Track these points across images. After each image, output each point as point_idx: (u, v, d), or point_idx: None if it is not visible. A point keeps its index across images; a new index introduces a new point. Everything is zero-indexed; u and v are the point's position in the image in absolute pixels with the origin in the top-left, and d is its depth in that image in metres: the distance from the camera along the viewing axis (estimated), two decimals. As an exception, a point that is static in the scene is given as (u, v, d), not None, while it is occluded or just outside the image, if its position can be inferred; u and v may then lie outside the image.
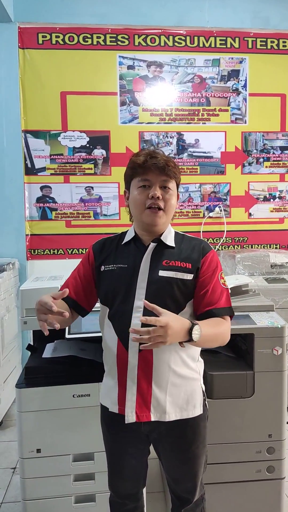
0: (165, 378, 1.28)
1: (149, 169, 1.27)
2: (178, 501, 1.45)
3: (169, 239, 1.34)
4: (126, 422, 1.26)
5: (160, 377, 1.28)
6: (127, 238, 1.37)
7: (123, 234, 1.41)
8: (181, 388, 1.30)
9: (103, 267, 1.34)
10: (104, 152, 3.39)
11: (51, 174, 3.37)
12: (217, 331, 1.23)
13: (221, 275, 1.33)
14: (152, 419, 1.27)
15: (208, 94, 3.45)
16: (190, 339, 1.12)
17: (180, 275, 1.27)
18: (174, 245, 1.33)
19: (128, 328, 1.20)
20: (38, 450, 1.70)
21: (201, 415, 1.35)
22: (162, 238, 1.33)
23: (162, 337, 1.05)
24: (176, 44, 3.37)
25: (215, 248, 2.45)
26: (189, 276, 1.28)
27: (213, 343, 1.25)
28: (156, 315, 1.09)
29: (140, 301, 1.25)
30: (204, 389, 1.39)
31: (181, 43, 3.38)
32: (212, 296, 1.27)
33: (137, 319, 1.23)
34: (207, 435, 1.41)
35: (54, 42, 3.27)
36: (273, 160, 3.56)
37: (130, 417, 1.26)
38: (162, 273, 1.27)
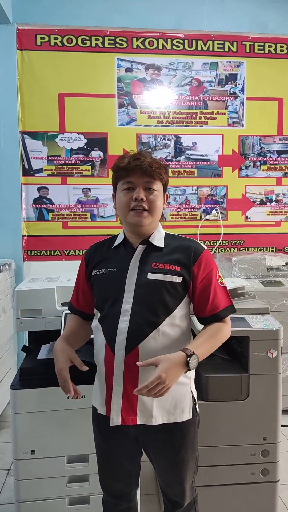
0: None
1: (132, 171, 1.27)
2: (170, 504, 1.45)
3: (157, 241, 1.33)
4: (111, 425, 1.27)
5: (146, 381, 1.26)
6: (117, 241, 1.38)
7: (114, 237, 1.41)
8: (169, 392, 1.23)
9: (94, 271, 1.36)
10: (101, 154, 3.39)
11: (48, 175, 3.37)
12: (215, 340, 1.28)
13: (218, 274, 1.33)
14: (138, 422, 1.27)
15: (206, 98, 3.47)
16: (188, 369, 1.18)
17: (168, 277, 1.27)
18: (163, 247, 1.32)
19: (115, 332, 1.25)
20: (33, 452, 1.70)
21: (190, 420, 1.33)
22: (150, 239, 1.32)
23: (163, 385, 1.13)
24: (174, 47, 3.39)
25: (211, 251, 2.44)
26: (178, 279, 1.27)
27: (211, 352, 1.29)
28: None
29: (128, 305, 1.26)
30: (194, 394, 1.38)
31: (179, 47, 3.39)
32: (214, 300, 1.30)
33: (124, 323, 1.25)
34: (198, 439, 1.40)
35: (52, 44, 3.28)
36: (270, 164, 3.58)
37: (116, 420, 1.27)
38: (150, 276, 1.27)
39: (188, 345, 1.23)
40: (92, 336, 1.43)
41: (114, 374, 1.26)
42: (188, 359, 1.16)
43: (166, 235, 1.37)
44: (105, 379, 1.30)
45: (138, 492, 1.54)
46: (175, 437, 1.32)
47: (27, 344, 2.05)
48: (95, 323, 1.36)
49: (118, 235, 1.40)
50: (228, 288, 1.39)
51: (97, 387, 1.38)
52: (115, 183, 1.34)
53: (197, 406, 1.38)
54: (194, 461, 1.40)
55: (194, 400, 1.36)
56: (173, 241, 1.35)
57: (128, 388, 1.25)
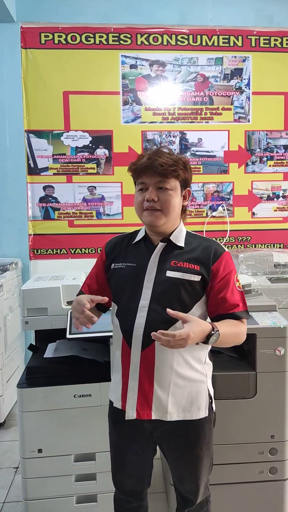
0: (168, 378, 1.27)
1: (144, 171, 1.28)
2: (182, 501, 1.45)
3: (178, 239, 1.33)
4: (126, 419, 1.28)
5: (162, 377, 1.27)
6: (138, 237, 1.38)
7: (135, 233, 1.41)
8: (184, 389, 1.28)
9: (113, 265, 1.37)
10: (106, 151, 3.38)
11: (54, 174, 3.37)
12: (234, 331, 1.27)
13: (236, 278, 1.32)
14: (153, 417, 1.28)
15: (211, 93, 3.44)
16: (205, 342, 1.17)
17: (187, 276, 1.26)
18: (183, 245, 1.32)
19: (132, 327, 1.26)
20: (40, 450, 1.70)
21: (206, 418, 1.32)
22: (171, 237, 1.32)
23: (181, 345, 1.11)
24: (178, 43, 3.36)
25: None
26: (197, 278, 1.27)
27: (227, 344, 1.28)
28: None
29: (145, 301, 1.27)
30: (211, 392, 1.36)
31: (183, 42, 3.36)
32: (231, 300, 1.28)
33: (141, 318, 1.26)
34: (212, 438, 1.38)
35: (56, 42, 3.27)
36: (277, 159, 3.54)
37: (131, 413, 1.28)
38: (169, 273, 1.27)
39: (216, 323, 1.22)
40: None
41: (130, 368, 1.28)
42: (212, 332, 1.17)
43: (188, 233, 1.36)
44: (121, 373, 1.31)
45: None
46: (190, 434, 1.32)
47: (34, 343, 2.06)
48: (113, 316, 1.38)
49: (139, 230, 1.40)
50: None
51: (114, 380, 1.39)
52: (134, 183, 1.36)
53: (213, 405, 1.37)
54: (209, 459, 1.39)
55: (210, 398, 1.35)
56: (194, 240, 1.34)
57: (143, 383, 1.27)
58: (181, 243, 1.32)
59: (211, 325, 1.18)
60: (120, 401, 1.32)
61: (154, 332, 1.10)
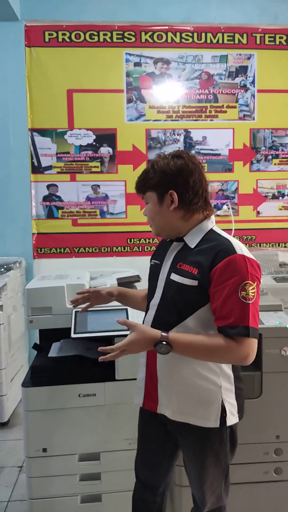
0: (170, 378, 1.28)
1: None
2: (194, 504, 1.44)
3: (192, 239, 1.26)
4: (135, 403, 1.37)
5: (165, 376, 1.28)
6: None
7: None
8: (190, 393, 1.25)
9: (152, 260, 1.41)
10: (110, 150, 3.37)
11: (58, 172, 3.36)
12: (205, 350, 1.15)
13: (243, 287, 1.13)
14: (158, 411, 1.31)
15: (216, 91, 3.42)
16: (157, 351, 1.15)
17: (185, 280, 1.20)
18: (192, 246, 1.25)
19: (144, 322, 1.33)
20: (44, 449, 1.70)
21: (215, 429, 1.25)
22: (185, 237, 1.27)
23: (127, 352, 1.15)
24: (183, 40, 3.34)
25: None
26: (193, 283, 1.18)
27: (199, 357, 1.19)
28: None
29: (156, 300, 1.29)
30: (227, 405, 1.26)
31: (188, 40, 3.34)
32: (221, 311, 1.15)
33: (150, 316, 1.31)
34: (227, 454, 1.31)
35: (60, 40, 3.26)
36: (282, 157, 3.51)
37: (137, 400, 1.36)
38: (173, 276, 1.25)
39: (176, 334, 1.16)
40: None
41: (140, 361, 1.35)
42: (159, 344, 1.12)
43: (210, 232, 1.26)
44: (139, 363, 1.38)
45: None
46: (195, 439, 1.29)
47: (38, 342, 2.05)
48: None
49: None
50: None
51: None
52: None
53: (228, 419, 1.26)
54: (219, 471, 1.32)
55: (224, 411, 1.25)
56: (210, 240, 1.23)
57: (149, 376, 1.31)
58: (192, 243, 1.25)
59: (160, 335, 1.13)
60: (137, 387, 1.38)
61: (118, 319, 1.19)
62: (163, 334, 1.13)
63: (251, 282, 1.15)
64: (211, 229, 1.27)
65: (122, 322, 1.17)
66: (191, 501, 1.71)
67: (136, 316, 1.74)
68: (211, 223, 1.29)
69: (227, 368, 1.27)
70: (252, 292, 1.15)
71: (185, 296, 1.21)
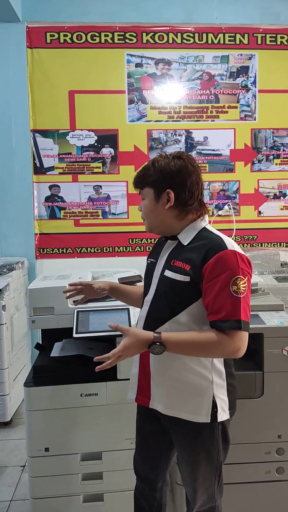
0: (162, 374, 1.30)
1: None
2: (186, 502, 1.44)
3: (185, 237, 1.28)
4: (127, 398, 1.39)
5: (157, 371, 1.30)
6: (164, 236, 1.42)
7: None
8: (182, 390, 1.27)
9: (148, 258, 1.44)
10: (112, 150, 3.38)
11: (60, 173, 3.37)
12: (198, 346, 1.18)
13: (234, 281, 1.16)
14: (150, 406, 1.33)
15: (217, 91, 3.42)
16: (151, 352, 1.17)
17: (177, 276, 1.23)
18: (185, 244, 1.27)
19: (138, 318, 1.36)
20: (47, 449, 1.71)
21: (206, 424, 1.27)
22: (178, 236, 1.30)
23: (124, 357, 1.17)
24: (184, 41, 3.35)
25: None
26: (185, 279, 1.21)
27: (192, 354, 1.22)
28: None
29: (150, 296, 1.32)
30: (218, 401, 1.28)
31: (189, 40, 3.35)
32: (212, 306, 1.17)
33: (143, 311, 1.34)
34: (220, 451, 1.32)
35: (62, 41, 3.27)
36: (283, 157, 3.51)
37: (130, 395, 1.38)
38: (166, 272, 1.28)
39: (168, 333, 1.18)
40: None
41: (134, 356, 1.33)
42: (153, 345, 1.15)
43: (203, 230, 1.29)
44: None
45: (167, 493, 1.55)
46: (186, 434, 1.31)
47: (40, 342, 2.06)
48: None
49: None
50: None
51: None
52: None
53: (219, 415, 1.28)
54: (211, 468, 1.33)
55: (215, 406, 1.26)
56: (202, 237, 1.26)
57: (143, 372, 1.34)
58: (185, 240, 1.27)
59: (153, 336, 1.15)
60: (130, 383, 1.40)
61: (110, 323, 1.21)
62: (156, 335, 1.16)
63: (242, 277, 1.18)
64: (204, 227, 1.30)
65: (114, 327, 1.17)
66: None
67: (137, 314, 1.74)
68: (204, 222, 1.32)
69: (219, 364, 1.29)
70: (243, 287, 1.18)
71: (177, 291, 1.23)
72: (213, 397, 1.27)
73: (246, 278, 1.19)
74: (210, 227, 1.31)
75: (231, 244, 1.22)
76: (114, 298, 1.61)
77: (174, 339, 1.17)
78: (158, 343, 1.15)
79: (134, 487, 1.55)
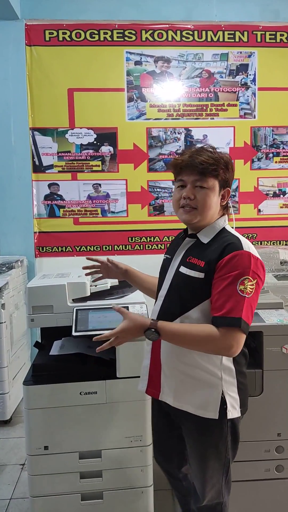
0: (173, 367, 1.32)
1: (184, 169, 1.29)
2: (194, 495, 1.46)
3: (204, 235, 1.30)
4: (138, 389, 1.42)
5: (168, 363, 1.33)
6: (183, 232, 1.43)
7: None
8: (191, 384, 1.29)
9: (164, 255, 1.46)
10: (111, 149, 3.38)
11: (59, 171, 3.37)
12: (191, 338, 1.19)
13: (242, 281, 1.17)
14: (160, 398, 1.35)
15: (217, 89, 3.42)
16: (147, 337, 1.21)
17: (192, 272, 1.25)
18: (205, 242, 1.29)
19: (152, 312, 1.39)
20: (46, 447, 1.71)
21: (215, 421, 1.27)
22: (198, 234, 1.32)
23: (120, 340, 1.23)
24: (183, 39, 3.34)
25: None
26: (199, 275, 1.23)
27: (185, 345, 1.23)
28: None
29: (164, 291, 1.35)
30: (228, 399, 1.29)
31: (188, 38, 3.34)
32: (216, 302, 1.19)
33: (157, 306, 1.37)
34: (229, 448, 1.33)
35: (61, 38, 3.26)
36: (283, 155, 3.51)
37: (141, 387, 1.41)
38: (181, 269, 1.30)
39: (165, 322, 1.22)
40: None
41: (145, 349, 1.40)
42: (148, 331, 1.20)
43: (223, 230, 1.31)
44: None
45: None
46: (195, 428, 1.33)
47: (39, 340, 2.06)
48: None
49: None
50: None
51: None
52: (175, 179, 1.37)
53: (229, 412, 1.28)
54: (220, 463, 1.34)
55: (224, 403, 1.27)
56: (222, 236, 1.28)
57: (153, 365, 1.36)
58: (205, 239, 1.30)
59: (149, 322, 1.20)
60: (141, 374, 1.43)
61: (113, 305, 1.26)
62: (152, 321, 1.21)
63: (251, 278, 1.18)
64: (224, 228, 1.33)
65: (116, 309, 1.23)
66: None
67: (138, 313, 1.74)
68: (224, 222, 1.35)
69: (228, 362, 1.30)
70: (251, 288, 1.18)
71: (191, 288, 1.25)
72: (223, 394, 1.28)
73: (255, 281, 1.20)
74: (229, 228, 1.34)
75: (247, 246, 1.24)
76: (130, 283, 1.63)
77: (169, 328, 1.21)
78: (153, 329, 1.19)
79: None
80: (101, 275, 1.60)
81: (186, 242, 1.35)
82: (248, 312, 1.18)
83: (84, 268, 1.59)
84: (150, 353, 1.37)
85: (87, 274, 1.62)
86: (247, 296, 1.17)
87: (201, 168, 1.25)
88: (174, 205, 1.34)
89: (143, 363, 1.41)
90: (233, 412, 1.30)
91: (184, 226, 1.43)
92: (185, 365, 1.29)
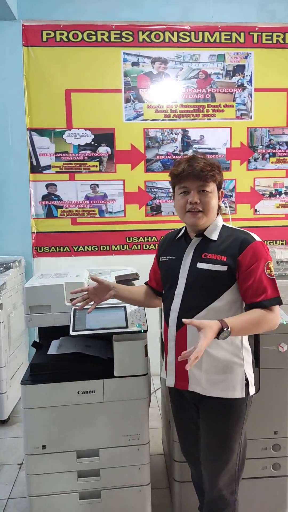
0: (201, 358, 1.35)
1: (186, 177, 1.40)
2: (204, 487, 1.51)
3: (212, 233, 1.43)
4: (166, 385, 1.49)
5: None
6: (180, 234, 1.53)
7: (180, 229, 1.55)
8: (218, 368, 1.39)
9: (161, 258, 1.56)
10: (109, 149, 3.38)
11: (56, 172, 3.37)
12: (254, 321, 1.31)
13: (267, 266, 1.36)
14: (189, 389, 1.42)
15: (213, 90, 3.43)
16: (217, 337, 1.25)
17: (214, 267, 1.37)
18: (215, 239, 1.42)
19: (169, 310, 1.45)
20: (44, 447, 1.71)
21: (241, 399, 1.40)
22: (205, 232, 1.44)
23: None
24: (180, 40, 3.35)
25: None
26: (223, 268, 1.36)
27: (253, 332, 1.36)
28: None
29: (180, 289, 1.42)
30: (249, 377, 1.42)
31: (185, 39, 3.36)
32: (257, 289, 1.33)
33: (176, 303, 1.43)
34: (244, 425, 1.45)
35: (58, 39, 3.27)
36: (279, 156, 3.53)
37: (169, 382, 1.47)
38: (199, 265, 1.40)
39: (228, 319, 1.28)
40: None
41: (168, 345, 1.46)
42: (221, 332, 1.24)
43: (224, 227, 1.46)
44: (165, 348, 1.50)
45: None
46: (223, 409, 1.41)
47: (37, 340, 2.07)
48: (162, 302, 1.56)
49: (183, 227, 1.54)
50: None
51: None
52: (173, 187, 1.48)
53: (250, 388, 1.43)
54: (237, 446, 1.44)
55: (247, 381, 1.41)
56: (227, 232, 1.43)
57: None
58: (214, 236, 1.42)
59: (220, 324, 1.25)
60: (164, 372, 1.51)
61: (185, 319, 1.24)
62: (221, 322, 1.25)
63: (270, 261, 1.39)
64: (223, 225, 1.48)
65: (188, 322, 1.23)
66: (190, 497, 1.73)
67: (134, 312, 1.75)
68: (221, 219, 1.50)
69: (246, 342, 1.45)
70: (272, 268, 1.38)
71: (215, 280, 1.37)
72: (245, 374, 1.42)
73: (271, 260, 1.40)
74: (226, 224, 1.49)
75: (254, 235, 1.42)
76: (121, 301, 1.63)
77: (236, 323, 1.27)
78: (226, 329, 1.24)
79: (191, 477, 1.68)
80: (93, 302, 1.55)
81: (194, 241, 1.45)
82: (277, 288, 1.37)
83: (74, 303, 1.55)
84: (174, 348, 1.43)
85: (79, 308, 1.55)
86: (274, 277, 1.37)
87: (202, 175, 1.38)
88: (180, 210, 1.44)
89: (168, 359, 1.46)
90: (251, 389, 1.44)
91: (180, 226, 1.54)
92: (209, 352, 1.37)
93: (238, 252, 1.36)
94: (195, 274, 1.40)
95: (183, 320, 1.25)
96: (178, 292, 1.43)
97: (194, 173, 1.38)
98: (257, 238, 1.40)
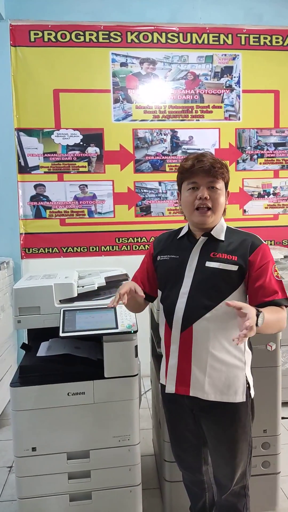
0: (204, 359, 1.37)
1: (196, 172, 1.38)
2: (218, 488, 1.50)
3: (218, 233, 1.43)
4: (165, 391, 1.43)
5: (199, 358, 1.37)
6: (182, 233, 1.50)
7: (179, 229, 1.54)
8: (221, 372, 1.37)
9: (159, 257, 1.50)
10: (97, 149, 3.38)
11: (45, 172, 3.35)
12: (276, 317, 1.30)
13: (274, 268, 1.38)
14: (191, 394, 1.38)
15: (202, 91, 3.45)
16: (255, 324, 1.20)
17: (225, 266, 1.36)
18: (223, 239, 1.42)
19: (173, 311, 1.39)
20: (34, 449, 1.70)
21: (243, 403, 1.39)
22: (212, 232, 1.43)
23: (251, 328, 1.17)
24: (169, 41, 3.36)
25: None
26: (234, 268, 1.36)
27: (271, 329, 1.31)
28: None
29: (186, 288, 1.39)
30: (249, 379, 1.42)
31: (174, 40, 3.37)
32: (269, 288, 1.34)
33: (181, 303, 1.39)
34: (250, 425, 1.44)
35: (46, 39, 3.25)
36: (267, 157, 3.56)
37: (170, 388, 1.42)
38: (208, 264, 1.38)
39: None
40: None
41: (171, 348, 1.41)
42: (258, 313, 1.21)
43: (228, 228, 1.46)
44: (165, 352, 1.46)
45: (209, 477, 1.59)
46: (226, 415, 1.39)
47: (26, 342, 2.05)
48: (158, 302, 1.52)
49: (183, 227, 1.53)
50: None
51: (162, 360, 1.50)
52: (180, 183, 1.46)
53: (251, 391, 1.43)
54: (246, 445, 1.43)
55: (248, 384, 1.41)
56: (233, 234, 1.44)
57: (182, 362, 1.39)
58: (221, 237, 1.42)
59: (255, 308, 1.22)
60: (164, 377, 1.46)
61: (228, 302, 1.20)
62: (258, 309, 1.23)
63: (275, 264, 1.41)
64: (228, 226, 1.47)
65: (231, 305, 1.19)
66: (181, 497, 1.73)
67: (123, 313, 1.75)
68: (224, 221, 1.49)
69: (248, 346, 1.44)
70: (278, 271, 1.40)
71: (226, 279, 1.36)
72: (246, 376, 1.41)
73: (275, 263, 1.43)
74: (231, 226, 1.48)
75: (261, 238, 1.44)
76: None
77: (267, 314, 1.24)
78: (261, 311, 1.22)
79: (182, 478, 1.64)
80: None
81: (201, 240, 1.43)
82: (285, 290, 1.37)
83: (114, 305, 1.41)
84: (177, 351, 1.40)
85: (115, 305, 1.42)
86: (280, 279, 1.38)
87: (213, 171, 1.37)
88: (188, 207, 1.41)
89: (170, 363, 1.42)
90: (252, 391, 1.43)
91: (173, 227, 1.55)
92: (214, 354, 1.36)
93: (249, 253, 1.37)
94: (203, 273, 1.38)
95: (226, 302, 1.21)
96: (183, 291, 1.40)
97: (204, 168, 1.36)
98: (263, 241, 1.43)
